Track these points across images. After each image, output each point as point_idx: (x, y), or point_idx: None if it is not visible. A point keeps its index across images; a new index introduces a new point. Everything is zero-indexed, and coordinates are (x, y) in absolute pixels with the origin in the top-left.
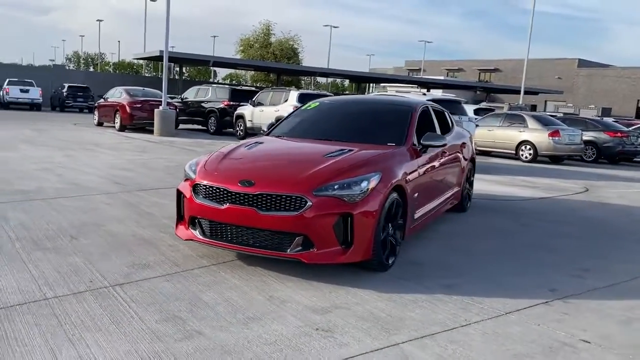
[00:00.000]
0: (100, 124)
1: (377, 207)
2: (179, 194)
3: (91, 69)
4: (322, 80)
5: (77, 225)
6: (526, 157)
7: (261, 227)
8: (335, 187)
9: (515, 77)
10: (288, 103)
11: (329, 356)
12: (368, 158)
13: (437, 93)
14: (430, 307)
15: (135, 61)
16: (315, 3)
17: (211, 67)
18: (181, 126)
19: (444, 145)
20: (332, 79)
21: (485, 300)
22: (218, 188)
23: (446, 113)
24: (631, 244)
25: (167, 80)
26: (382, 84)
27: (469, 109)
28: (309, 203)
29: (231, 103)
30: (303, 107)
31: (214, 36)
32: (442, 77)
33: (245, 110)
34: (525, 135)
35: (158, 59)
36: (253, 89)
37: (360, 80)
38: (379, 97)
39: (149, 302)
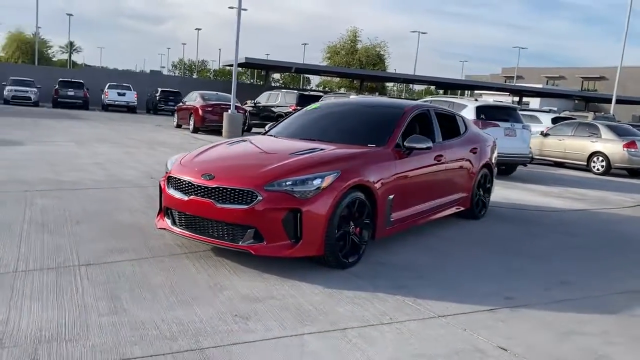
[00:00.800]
0: (179, 125)
1: (330, 204)
2: (160, 186)
3: (194, 76)
4: (419, 87)
5: (90, 213)
6: (598, 170)
7: (217, 219)
8: (288, 183)
9: (626, 85)
10: None
11: (229, 339)
12: (331, 157)
13: (489, 99)
14: (364, 304)
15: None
16: (414, 10)
17: (294, 74)
18: (253, 129)
19: (429, 148)
20: (425, 86)
21: (428, 303)
22: (184, 180)
23: (458, 118)
24: None
25: (254, 86)
26: (475, 91)
27: (546, 117)
28: (259, 197)
29: (298, 107)
30: (306, 108)
31: (304, 44)
32: (540, 85)
33: None
34: (597, 146)
35: (243, 65)
36: (321, 94)
37: (447, 87)
38: (377, 100)
39: (100, 282)
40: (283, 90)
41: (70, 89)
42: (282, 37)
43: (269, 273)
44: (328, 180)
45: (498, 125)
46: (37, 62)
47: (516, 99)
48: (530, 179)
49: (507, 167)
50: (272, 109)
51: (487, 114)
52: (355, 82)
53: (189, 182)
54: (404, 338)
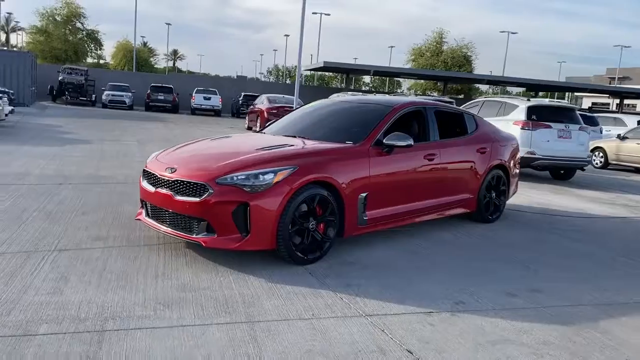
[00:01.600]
0: (249, 128)
1: (282, 199)
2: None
3: (287, 81)
4: (516, 89)
5: (101, 204)
6: None
7: (176, 211)
8: (240, 177)
9: None
10: None
11: (135, 325)
12: (293, 153)
13: (544, 100)
14: (296, 299)
15: (324, 73)
16: (515, 9)
17: (377, 77)
18: None
19: (409, 145)
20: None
21: (365, 302)
22: (152, 173)
23: (467, 116)
24: None
25: (332, 90)
26: (576, 93)
27: (632, 120)
28: (211, 190)
29: None
30: (304, 106)
31: (391, 46)
32: None
33: None
34: None
35: (322, 69)
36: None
37: (537, 89)
38: (371, 98)
39: (61, 265)
40: (348, 92)
41: (161, 94)
42: (377, 41)
43: (226, 266)
44: (281, 175)
45: (550, 127)
46: (140, 68)
47: (617, 101)
48: (589, 185)
49: (565, 172)
50: None
51: (539, 114)
52: (439, 84)
53: (155, 175)
54: (310, 334)
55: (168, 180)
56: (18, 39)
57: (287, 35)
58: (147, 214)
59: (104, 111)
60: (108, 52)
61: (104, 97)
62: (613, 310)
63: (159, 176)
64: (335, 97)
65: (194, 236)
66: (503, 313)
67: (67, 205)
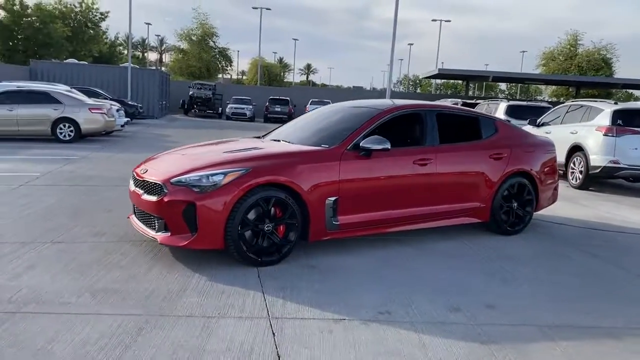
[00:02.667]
0: None
1: (230, 200)
2: None
3: (418, 90)
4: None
5: (128, 204)
6: None
7: (143, 209)
8: (193, 178)
9: None
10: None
11: (43, 309)
12: (250, 155)
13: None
14: (217, 298)
15: (454, 81)
16: None
17: (491, 82)
18: None
19: (386, 149)
20: None
21: (286, 305)
22: (133, 173)
23: (483, 120)
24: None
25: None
26: None
27: None
28: (165, 190)
29: None
30: (312, 111)
31: (523, 51)
32: None
33: None
34: None
35: (437, 76)
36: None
37: None
38: (367, 102)
39: (43, 256)
40: (449, 100)
41: (278, 106)
42: (511, 45)
43: (184, 264)
44: (230, 177)
45: (639, 133)
46: (271, 83)
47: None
48: None
49: None
50: None
51: (628, 119)
52: (570, 89)
53: (133, 175)
54: (197, 331)
55: (139, 180)
56: (169, 58)
57: (410, 44)
58: (134, 212)
59: (225, 122)
60: (243, 68)
61: (227, 109)
62: (559, 333)
63: (135, 176)
64: (351, 102)
65: (153, 233)
66: (424, 326)
67: (100, 204)
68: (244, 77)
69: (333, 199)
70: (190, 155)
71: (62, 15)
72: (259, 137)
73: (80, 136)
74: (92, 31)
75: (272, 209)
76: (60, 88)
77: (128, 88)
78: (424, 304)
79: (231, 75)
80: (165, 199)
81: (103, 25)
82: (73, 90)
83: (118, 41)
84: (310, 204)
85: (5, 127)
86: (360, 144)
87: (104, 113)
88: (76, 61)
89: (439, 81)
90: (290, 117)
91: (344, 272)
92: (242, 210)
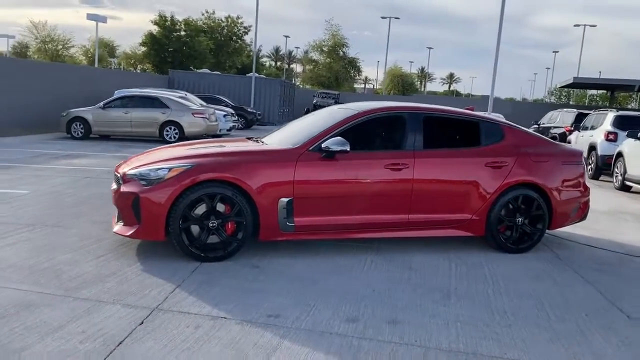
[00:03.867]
0: None
1: (171, 194)
2: None
3: (571, 102)
4: None
5: None
6: None
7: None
8: (144, 171)
9: None
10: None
11: None
12: (201, 153)
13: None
14: (129, 286)
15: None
16: None
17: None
18: None
19: (344, 151)
20: None
21: (186, 298)
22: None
23: (484, 125)
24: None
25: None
26: None
27: None
28: (120, 182)
29: (570, 128)
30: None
31: None
32: None
33: (572, 136)
34: None
35: (572, 86)
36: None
37: None
38: (357, 104)
39: (32, 236)
40: (564, 109)
41: None
42: None
43: (141, 255)
44: (174, 172)
45: None
46: (405, 92)
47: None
48: None
49: None
50: (550, 129)
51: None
52: None
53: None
54: (65, 314)
55: (115, 175)
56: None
57: (555, 52)
58: None
59: None
60: (376, 77)
61: None
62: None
63: (115, 170)
64: (343, 105)
65: (115, 221)
66: (299, 333)
67: None
68: (378, 87)
69: (287, 199)
70: (162, 152)
71: (210, 30)
72: (251, 138)
73: (184, 138)
74: (236, 44)
75: (222, 205)
76: (169, 94)
77: (251, 96)
78: (326, 312)
79: (366, 85)
80: (120, 190)
81: (247, 38)
82: (188, 96)
83: (260, 53)
84: (260, 203)
85: (121, 127)
86: (322, 146)
87: (206, 117)
88: (208, 71)
89: (594, 92)
90: None
91: (283, 275)
92: (183, 205)
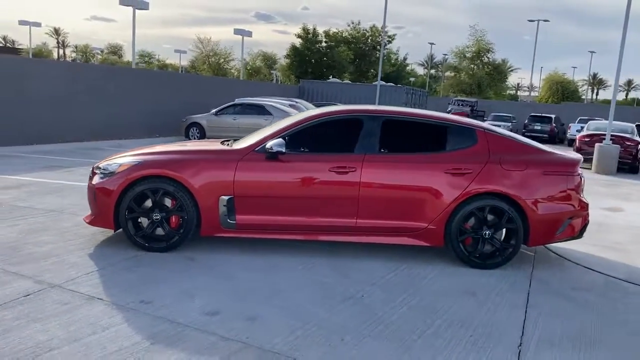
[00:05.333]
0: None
1: (118, 186)
2: None
3: None
4: None
5: None
6: None
7: None
8: (103, 165)
9: None
10: None
11: None
12: (153, 151)
13: None
14: (58, 266)
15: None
16: None
17: None
18: None
19: (279, 152)
20: None
21: (86, 283)
22: None
23: (453, 129)
24: None
25: None
26: None
27: None
28: (90, 175)
29: None
30: None
31: None
32: None
33: None
34: None
35: None
36: None
37: None
38: (331, 107)
39: (38, 220)
40: None
41: (538, 123)
42: None
43: (109, 243)
44: (123, 167)
45: None
46: (564, 100)
47: None
48: None
49: None
50: None
51: None
52: None
53: None
54: None
55: None
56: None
57: None
58: None
59: None
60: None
61: None
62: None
63: None
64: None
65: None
66: (148, 319)
67: None
68: (534, 94)
69: (227, 197)
70: (144, 148)
71: (354, 40)
72: (227, 141)
73: None
74: (378, 52)
75: (170, 201)
76: (276, 102)
77: (376, 103)
78: (197, 303)
79: (518, 91)
80: (89, 182)
81: (394, 47)
82: (301, 103)
83: (406, 62)
84: (201, 200)
85: (230, 132)
86: (266, 146)
87: None
88: (338, 80)
89: None
90: (552, 136)
91: (210, 269)
92: (129, 197)
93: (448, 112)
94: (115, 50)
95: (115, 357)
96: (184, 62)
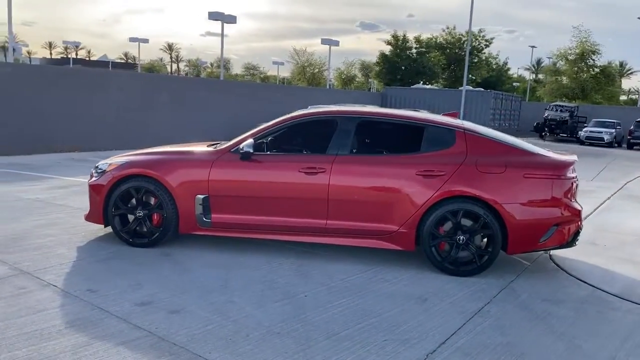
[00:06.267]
0: None
1: (106, 185)
2: None
3: None
4: None
5: None
6: None
7: None
8: (98, 165)
9: None
10: None
11: None
12: (139, 152)
13: None
14: (43, 256)
15: None
16: None
17: None
18: None
19: (247, 152)
20: None
21: (53, 272)
22: None
23: (430, 130)
24: None
25: None
26: None
27: None
28: (90, 174)
29: None
30: None
31: None
32: None
33: None
34: None
35: None
36: None
37: None
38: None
39: (49, 209)
40: None
41: None
42: None
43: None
44: (111, 166)
45: None
46: None
47: None
48: None
49: None
50: None
51: None
52: None
53: None
54: None
55: None
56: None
57: None
58: None
59: (575, 148)
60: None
61: (581, 133)
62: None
63: None
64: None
65: None
66: (83, 305)
67: None
68: None
69: (202, 196)
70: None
71: (449, 45)
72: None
73: None
74: (474, 58)
75: (152, 198)
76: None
77: (461, 109)
78: (138, 295)
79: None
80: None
81: (493, 50)
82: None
83: (506, 67)
84: (178, 198)
85: None
86: (239, 147)
87: None
88: (424, 86)
89: None
90: None
91: (176, 263)
92: (115, 195)
93: (545, 119)
94: (224, 63)
95: (25, 337)
96: (286, 73)
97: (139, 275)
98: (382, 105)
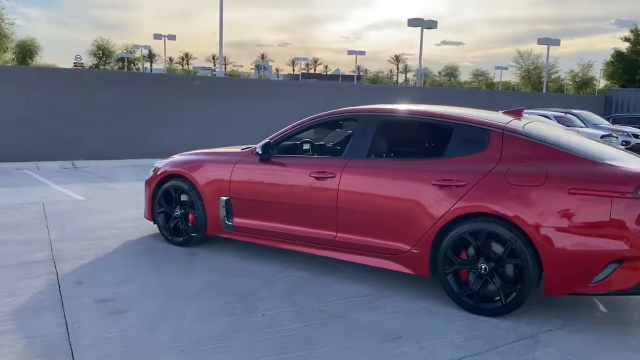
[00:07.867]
0: None
1: (154, 184)
2: None
3: None
4: None
5: None
6: None
7: None
8: (155, 164)
9: None
10: None
11: None
12: (184, 153)
13: None
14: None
15: None
16: None
17: None
18: None
19: (257, 154)
20: None
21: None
22: None
23: (460, 129)
24: None
25: None
26: None
27: None
28: None
29: None
30: None
31: None
32: None
33: None
34: None
35: None
36: None
37: None
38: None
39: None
40: None
41: None
42: None
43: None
44: (159, 167)
45: None
46: None
47: None
48: None
49: None
50: None
51: None
52: None
53: None
54: None
55: None
56: None
57: None
58: None
59: None
60: None
61: None
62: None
63: None
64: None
65: None
66: (51, 295)
67: None
68: None
69: (225, 198)
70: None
71: None
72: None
73: None
74: None
75: (187, 198)
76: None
77: None
78: (113, 291)
79: None
80: None
81: None
82: (575, 116)
83: None
84: (206, 199)
85: None
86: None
87: None
88: None
89: None
90: None
91: (187, 264)
92: (159, 194)
93: None
94: (452, 71)
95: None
96: (515, 78)
97: (138, 273)
98: (603, 111)
